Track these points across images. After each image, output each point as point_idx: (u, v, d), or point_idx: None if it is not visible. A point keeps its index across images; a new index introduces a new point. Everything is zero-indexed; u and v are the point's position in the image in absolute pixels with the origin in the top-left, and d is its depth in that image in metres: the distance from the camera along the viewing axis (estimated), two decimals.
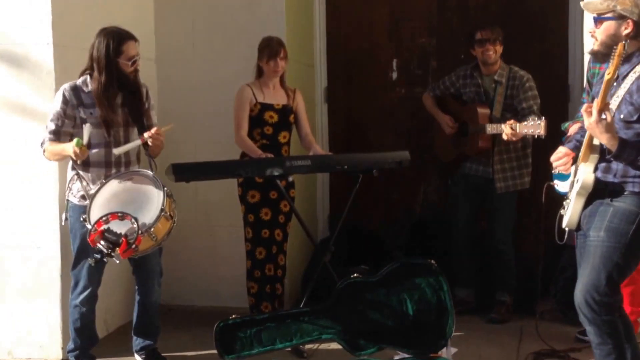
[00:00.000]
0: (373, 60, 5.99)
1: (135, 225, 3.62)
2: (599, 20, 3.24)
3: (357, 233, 5.66)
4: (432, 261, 3.91)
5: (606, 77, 3.08)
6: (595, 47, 3.29)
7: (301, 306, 4.29)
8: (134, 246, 3.60)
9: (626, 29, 3.19)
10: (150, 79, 5.28)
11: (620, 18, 3.19)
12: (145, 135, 3.95)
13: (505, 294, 5.09)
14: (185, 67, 5.46)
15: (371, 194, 5.76)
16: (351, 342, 3.85)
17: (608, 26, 3.21)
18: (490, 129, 4.76)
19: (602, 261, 3.18)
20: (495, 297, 5.10)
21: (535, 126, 4.39)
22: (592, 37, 3.34)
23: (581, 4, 3.35)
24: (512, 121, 4.57)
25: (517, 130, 4.51)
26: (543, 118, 4.43)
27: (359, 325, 3.88)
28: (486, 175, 5.01)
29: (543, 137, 4.40)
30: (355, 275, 3.94)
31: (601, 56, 3.28)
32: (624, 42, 3.08)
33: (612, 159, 3.14)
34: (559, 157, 3.42)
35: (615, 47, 3.06)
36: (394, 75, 5.97)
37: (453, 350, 3.96)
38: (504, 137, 4.61)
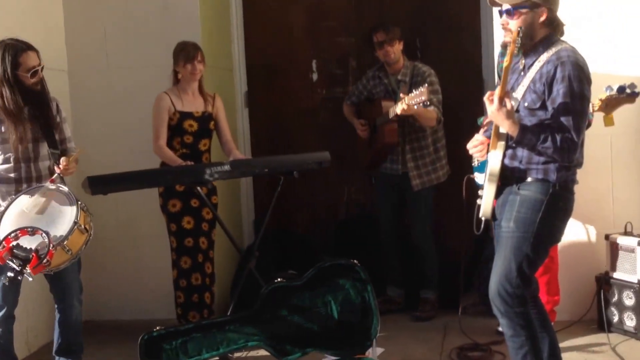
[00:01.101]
0: (292, 62, 5.98)
1: (46, 239, 3.52)
2: (514, 10, 3.24)
3: (284, 237, 5.65)
4: (356, 262, 3.92)
5: (504, 64, 3.15)
6: (508, 39, 3.32)
7: (228, 314, 4.24)
8: (45, 261, 3.49)
9: (541, 17, 3.23)
10: (63, 90, 5.18)
11: (535, 7, 3.23)
12: (57, 170, 3.89)
13: (428, 291, 5.15)
14: (98, 76, 5.36)
15: (296, 197, 5.76)
16: (277, 347, 3.82)
17: (525, 17, 3.23)
18: (391, 112, 4.82)
19: (513, 252, 3.25)
20: (419, 295, 5.15)
21: (420, 94, 4.47)
22: (504, 29, 3.37)
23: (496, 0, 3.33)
24: (402, 96, 4.65)
25: (407, 102, 4.57)
26: (425, 84, 4.51)
27: (285, 330, 3.85)
28: (400, 173, 5.07)
29: (428, 102, 4.52)
30: (279, 280, 3.92)
31: (527, 51, 3.29)
32: (518, 29, 3.15)
33: (514, 144, 3.21)
34: (475, 145, 3.49)
35: (533, 36, 3.15)
36: (314, 76, 5.97)
37: (379, 350, 3.98)
38: (399, 110, 4.64)
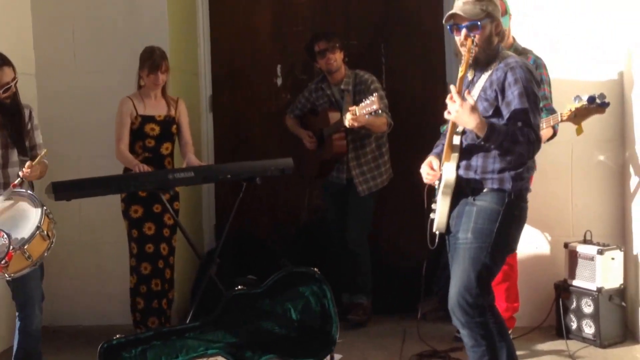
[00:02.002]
0: (257, 67, 5.97)
1: (6, 241, 3.50)
2: (474, 26, 3.26)
3: (245, 242, 5.63)
4: (315, 269, 3.94)
5: (460, 74, 3.21)
6: (473, 54, 3.28)
7: (187, 321, 4.23)
8: (3, 262, 3.48)
9: (498, 28, 3.32)
10: (30, 94, 5.14)
11: (492, 19, 3.30)
12: (20, 174, 3.86)
13: (362, 296, 5.16)
14: (66, 79, 5.33)
15: (257, 202, 5.76)
16: (237, 355, 3.84)
17: (486, 29, 3.28)
18: (341, 122, 4.83)
19: (471, 263, 3.27)
20: (352, 300, 5.18)
21: (370, 103, 4.50)
22: (461, 44, 3.33)
23: (457, 11, 3.30)
24: (352, 108, 4.66)
25: (357, 113, 4.59)
26: (375, 94, 4.54)
27: (245, 337, 3.87)
28: (345, 182, 5.11)
29: (380, 111, 4.53)
30: (239, 287, 3.93)
31: (483, 62, 3.32)
32: (472, 37, 3.19)
33: (482, 142, 3.19)
34: (428, 173, 3.45)
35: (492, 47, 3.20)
36: (279, 81, 5.97)
37: (338, 356, 4.01)
38: (348, 123, 4.67)
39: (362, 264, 5.16)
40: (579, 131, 4.10)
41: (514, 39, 4.41)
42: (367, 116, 4.59)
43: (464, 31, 3.28)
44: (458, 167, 3.31)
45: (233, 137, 5.97)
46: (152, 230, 4.70)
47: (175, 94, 4.90)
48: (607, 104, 4.03)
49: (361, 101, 4.66)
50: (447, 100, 3.21)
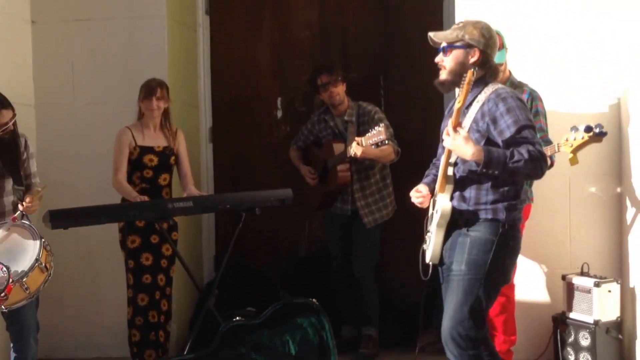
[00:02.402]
0: (258, 99, 6.02)
1: (6, 274, 3.50)
2: (448, 48, 3.37)
3: (244, 273, 5.63)
4: (314, 300, 3.93)
5: (456, 105, 3.23)
6: (443, 77, 3.41)
7: (185, 353, 4.22)
8: (2, 294, 3.48)
9: (472, 57, 3.35)
10: (29, 124, 5.17)
11: (468, 47, 3.35)
12: (20, 207, 3.89)
13: (371, 328, 5.13)
14: (65, 110, 5.36)
15: (257, 233, 5.75)
16: None
17: (457, 54, 3.36)
18: (347, 153, 4.85)
19: (465, 295, 3.27)
20: (361, 332, 5.15)
21: (377, 133, 4.51)
22: (439, 66, 3.45)
23: (430, 34, 3.46)
24: (358, 139, 4.68)
25: (364, 144, 4.62)
26: (381, 124, 4.55)
27: None
28: (350, 213, 5.11)
29: (387, 141, 4.54)
30: (237, 318, 3.92)
31: (448, 85, 3.41)
32: (472, 69, 3.23)
33: (484, 170, 3.20)
34: (418, 197, 3.49)
35: (464, 75, 3.20)
36: (279, 113, 6.01)
37: None
38: (353, 152, 4.69)
39: (370, 296, 5.14)
40: (573, 161, 4.11)
41: (510, 72, 4.46)
42: (373, 146, 4.60)
43: (439, 54, 3.39)
44: (452, 198, 3.32)
45: (233, 168, 6.00)
46: (150, 260, 4.68)
47: (175, 125, 4.93)
48: (605, 134, 4.05)
49: (365, 132, 4.68)
50: (443, 135, 3.27)
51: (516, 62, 4.62)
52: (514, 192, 3.32)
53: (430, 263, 3.42)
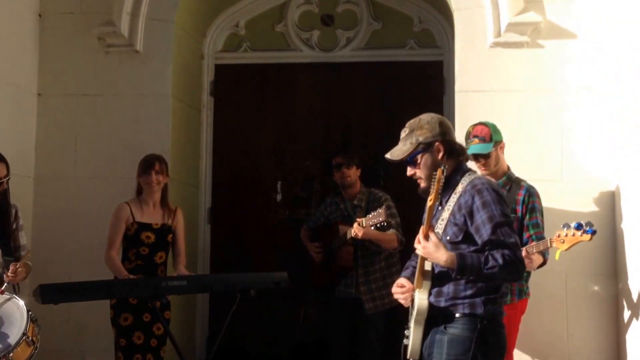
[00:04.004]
0: (258, 182, 6.07)
1: None
2: (413, 160, 3.30)
3: (237, 355, 5.53)
4: None
5: (428, 203, 3.16)
6: (423, 185, 3.31)
7: None
8: None
9: (439, 153, 3.27)
10: (27, 196, 5.18)
11: (429, 147, 3.27)
12: (5, 278, 3.88)
13: None
14: (64, 185, 5.40)
15: (251, 315, 5.66)
16: None
17: (424, 160, 3.28)
18: (348, 234, 4.86)
19: None
20: None
21: (377, 215, 4.57)
22: (415, 178, 3.36)
23: (387, 156, 3.38)
24: (359, 220, 4.72)
25: (364, 224, 4.65)
26: (384, 206, 4.62)
27: None
28: (354, 296, 5.05)
29: (385, 223, 4.57)
30: None
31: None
32: (442, 167, 3.15)
33: (458, 276, 3.13)
34: (402, 292, 3.38)
35: (434, 173, 3.15)
36: (278, 197, 6.04)
37: None
38: (354, 232, 4.71)
39: None
40: (557, 255, 4.11)
41: (508, 167, 4.49)
42: (372, 228, 4.62)
43: (408, 168, 3.33)
44: (430, 294, 3.24)
45: (230, 249, 5.99)
46: (141, 339, 4.60)
47: (175, 204, 4.92)
48: (594, 232, 4.06)
49: None
50: (415, 244, 3.21)
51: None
52: (494, 286, 3.22)
53: (411, 359, 3.30)
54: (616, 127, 4.78)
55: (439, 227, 3.25)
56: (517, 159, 4.69)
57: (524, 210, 4.32)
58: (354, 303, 5.06)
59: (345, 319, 5.15)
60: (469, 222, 3.18)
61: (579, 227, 4.04)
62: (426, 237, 3.16)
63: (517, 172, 4.51)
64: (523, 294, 4.40)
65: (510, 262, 3.09)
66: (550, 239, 4.12)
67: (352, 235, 4.75)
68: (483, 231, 3.13)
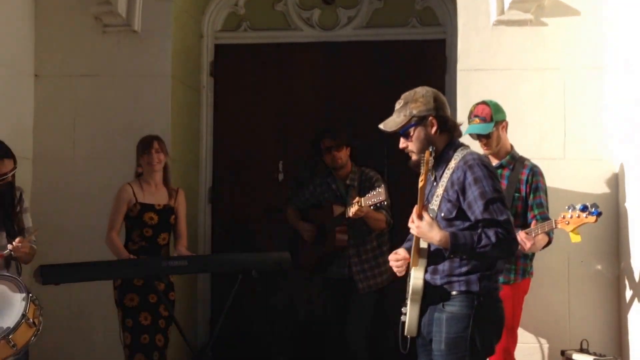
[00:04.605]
0: (259, 161, 6.02)
1: None
2: (406, 133, 3.31)
3: (240, 338, 5.53)
4: None
5: (420, 184, 3.16)
6: (415, 158, 3.32)
7: None
8: None
9: (433, 127, 3.28)
10: (25, 178, 5.15)
11: (422, 120, 3.28)
12: (9, 247, 3.86)
13: None
14: (64, 166, 5.37)
15: (254, 296, 5.67)
16: None
17: (417, 133, 3.29)
18: (345, 214, 4.84)
19: None
20: None
21: (377, 194, 4.51)
22: (407, 151, 3.38)
23: (380, 126, 3.41)
24: (358, 199, 4.67)
25: (363, 204, 4.60)
26: (382, 185, 4.58)
27: None
28: (345, 276, 5.04)
29: (386, 202, 4.54)
30: None
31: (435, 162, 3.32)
32: (430, 149, 3.18)
33: (452, 256, 3.16)
34: (397, 259, 3.39)
35: (422, 154, 3.17)
36: (280, 176, 6.00)
37: None
38: (352, 212, 4.67)
39: None
40: (575, 239, 4.09)
41: (511, 146, 4.46)
42: (372, 207, 4.60)
43: (401, 140, 3.34)
44: (425, 271, 3.25)
45: (231, 230, 5.96)
46: (148, 320, 4.57)
47: (175, 184, 4.91)
48: (599, 214, 4.05)
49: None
50: (410, 224, 3.22)
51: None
52: (489, 263, 3.24)
53: (409, 336, 3.32)
54: (621, 106, 4.74)
55: (434, 203, 3.27)
56: (520, 138, 4.68)
57: (527, 190, 4.31)
58: (345, 283, 5.05)
59: (339, 299, 5.13)
60: (461, 199, 3.20)
61: (584, 208, 4.03)
62: (419, 217, 3.17)
63: (520, 150, 4.50)
64: (527, 273, 4.40)
65: (503, 240, 3.12)
66: (555, 220, 4.11)
67: (351, 215, 4.70)
68: (475, 208, 3.15)
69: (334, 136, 5.09)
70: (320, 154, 5.18)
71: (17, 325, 3.57)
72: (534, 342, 4.78)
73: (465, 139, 4.33)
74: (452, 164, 3.25)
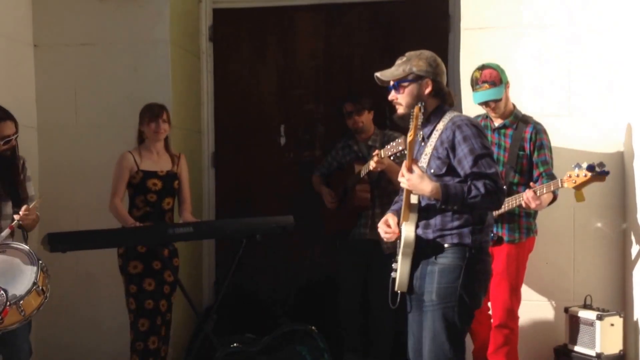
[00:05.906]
0: (261, 126, 6.01)
1: (3, 297, 3.48)
2: (399, 85, 3.41)
3: (244, 300, 5.56)
4: (313, 328, 3.89)
5: (408, 139, 3.27)
6: (402, 111, 3.45)
7: None
8: None
9: (427, 88, 3.40)
10: (31, 147, 5.18)
11: (419, 79, 3.40)
12: (15, 217, 3.87)
13: None
14: (67, 134, 5.38)
15: (258, 259, 5.69)
16: None
17: (411, 88, 3.41)
18: (363, 170, 4.84)
19: (441, 324, 3.29)
20: None
21: (396, 145, 4.46)
22: (395, 103, 3.48)
23: (377, 75, 3.50)
24: (377, 151, 4.64)
25: (383, 155, 4.57)
26: (402, 136, 4.47)
27: None
28: (367, 236, 5.02)
29: (405, 151, 4.50)
30: (235, 344, 3.87)
31: (408, 118, 3.40)
32: (419, 104, 3.27)
33: (443, 206, 3.27)
34: (386, 231, 3.47)
35: (411, 109, 3.27)
36: (282, 140, 6.00)
37: None
38: (372, 166, 4.64)
39: (383, 329, 5.02)
40: (579, 198, 4.10)
41: (514, 106, 4.45)
42: (392, 157, 4.59)
43: (392, 91, 3.45)
44: (417, 226, 3.33)
45: (235, 194, 5.97)
46: (152, 286, 4.61)
47: (177, 150, 4.92)
48: (607, 173, 4.05)
49: None
50: (399, 177, 3.32)
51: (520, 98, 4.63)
52: (479, 217, 3.36)
53: (399, 291, 3.41)
54: (625, 63, 4.71)
55: (423, 161, 3.39)
56: (524, 96, 4.67)
57: (531, 148, 4.31)
58: (368, 244, 5.02)
59: (360, 263, 5.10)
60: (451, 156, 3.32)
61: (590, 168, 4.02)
62: (410, 170, 3.27)
63: (524, 109, 4.49)
64: (531, 232, 4.42)
65: (491, 191, 3.24)
66: (561, 179, 4.11)
67: (371, 169, 4.66)
68: (465, 163, 3.27)
69: (354, 100, 5.13)
70: (343, 118, 5.21)
71: (28, 292, 3.60)
72: (539, 299, 4.81)
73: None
74: (441, 125, 3.37)
